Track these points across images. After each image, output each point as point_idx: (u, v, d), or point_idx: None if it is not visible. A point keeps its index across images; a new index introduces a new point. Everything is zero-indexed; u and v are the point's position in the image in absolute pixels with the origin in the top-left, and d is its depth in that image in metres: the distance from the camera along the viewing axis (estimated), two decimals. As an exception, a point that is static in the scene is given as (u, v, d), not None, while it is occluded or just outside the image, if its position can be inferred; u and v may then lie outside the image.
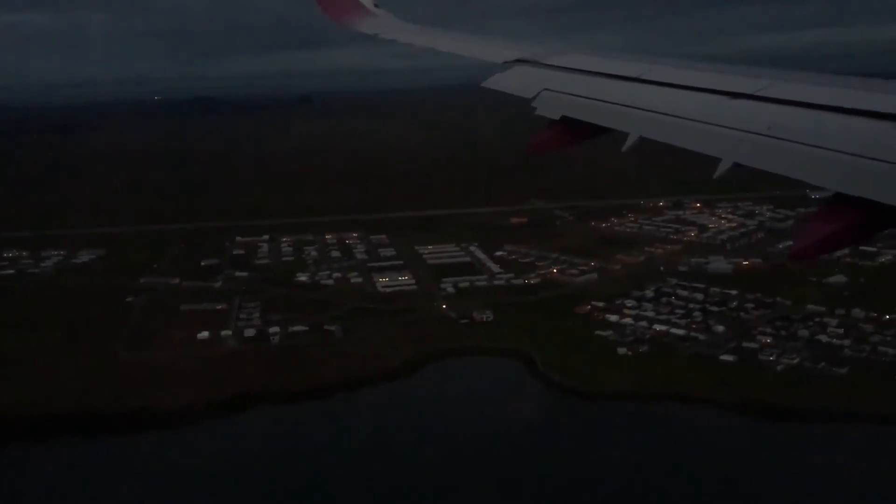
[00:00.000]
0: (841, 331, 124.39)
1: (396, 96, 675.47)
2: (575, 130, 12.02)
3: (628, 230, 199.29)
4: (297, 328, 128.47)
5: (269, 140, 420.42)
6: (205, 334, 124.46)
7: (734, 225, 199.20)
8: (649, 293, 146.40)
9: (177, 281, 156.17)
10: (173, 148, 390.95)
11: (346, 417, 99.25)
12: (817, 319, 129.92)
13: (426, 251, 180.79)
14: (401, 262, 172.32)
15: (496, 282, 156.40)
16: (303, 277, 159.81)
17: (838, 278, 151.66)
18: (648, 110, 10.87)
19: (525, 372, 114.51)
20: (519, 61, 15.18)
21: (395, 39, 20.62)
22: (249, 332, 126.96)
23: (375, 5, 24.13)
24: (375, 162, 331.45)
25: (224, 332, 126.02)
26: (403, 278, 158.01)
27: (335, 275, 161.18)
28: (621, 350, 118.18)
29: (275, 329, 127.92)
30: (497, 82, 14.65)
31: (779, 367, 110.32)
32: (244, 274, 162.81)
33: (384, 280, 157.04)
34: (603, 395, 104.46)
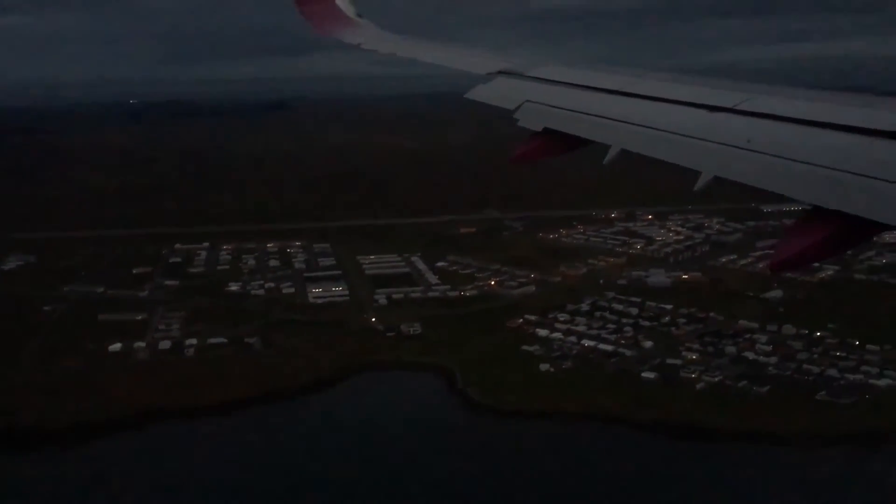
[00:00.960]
0: (769, 348, 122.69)
1: (375, 104, 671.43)
2: (557, 142, 12.03)
3: (575, 242, 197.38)
4: (215, 340, 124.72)
5: (234, 145, 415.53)
6: (117, 346, 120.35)
7: (681, 238, 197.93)
8: (585, 307, 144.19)
9: (101, 289, 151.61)
10: (134, 152, 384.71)
11: (240, 434, 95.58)
12: (747, 336, 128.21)
13: (367, 261, 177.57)
14: (339, 272, 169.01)
15: (431, 293, 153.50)
16: (234, 287, 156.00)
17: (776, 293, 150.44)
18: (630, 123, 10.89)
19: (442, 388, 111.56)
20: (501, 73, 15.19)
21: (377, 49, 20.63)
22: (164, 345, 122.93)
23: (358, 15, 23.96)
24: (338, 169, 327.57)
25: (137, 344, 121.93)
26: (337, 289, 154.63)
27: (268, 285, 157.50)
28: (544, 366, 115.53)
29: (191, 341, 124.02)
30: (479, 93, 14.70)
31: (699, 385, 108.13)
32: (174, 282, 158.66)
33: (317, 290, 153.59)
34: (515, 413, 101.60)
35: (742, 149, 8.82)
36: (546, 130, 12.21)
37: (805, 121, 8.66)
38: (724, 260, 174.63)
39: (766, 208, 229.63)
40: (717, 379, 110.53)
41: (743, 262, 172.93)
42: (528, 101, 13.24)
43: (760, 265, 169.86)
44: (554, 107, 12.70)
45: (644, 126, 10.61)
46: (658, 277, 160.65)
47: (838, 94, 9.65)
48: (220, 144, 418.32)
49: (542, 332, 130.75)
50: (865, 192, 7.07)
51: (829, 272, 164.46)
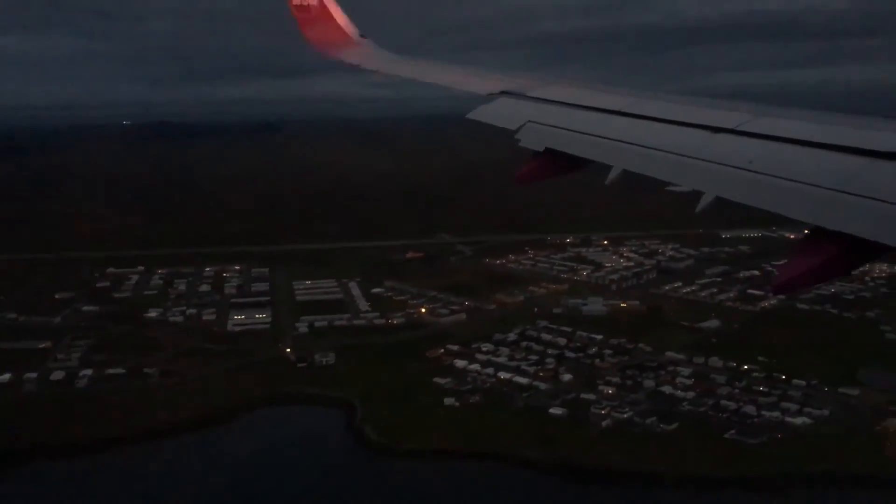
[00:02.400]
0: (690, 381, 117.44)
1: (371, 126, 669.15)
2: (558, 162, 12.05)
3: (521, 268, 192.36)
4: (113, 371, 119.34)
5: (209, 167, 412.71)
6: (6, 377, 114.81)
7: (631, 264, 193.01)
8: (512, 336, 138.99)
9: (14, 316, 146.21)
10: (106, 173, 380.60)
11: (91, 478, 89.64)
12: (671, 368, 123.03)
13: (302, 287, 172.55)
14: (268, 298, 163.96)
15: (357, 321, 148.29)
16: (153, 314, 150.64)
17: (712, 323, 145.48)
18: (632, 143, 10.88)
19: (338, 424, 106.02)
20: (503, 93, 15.18)
21: (379, 70, 20.69)
22: (58, 375, 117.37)
23: (361, 35, 23.73)
24: (307, 191, 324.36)
25: (28, 375, 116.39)
26: (260, 316, 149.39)
27: (189, 311, 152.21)
28: (449, 400, 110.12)
29: (87, 372, 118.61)
30: (482, 114, 14.66)
31: (605, 423, 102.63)
32: (94, 308, 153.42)
33: (239, 318, 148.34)
34: (403, 452, 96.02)
35: (744, 170, 8.81)
36: (548, 151, 12.18)
37: (806, 142, 8.64)
38: (667, 288, 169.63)
39: (725, 234, 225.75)
40: (626, 415, 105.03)
41: (687, 289, 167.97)
42: (529, 121, 13.22)
43: (703, 293, 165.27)
44: (556, 127, 12.61)
45: (646, 147, 10.53)
46: (595, 306, 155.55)
47: (839, 116, 9.48)
48: (194, 166, 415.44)
49: (461, 364, 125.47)
50: (867, 212, 7.11)
51: (773, 301, 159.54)
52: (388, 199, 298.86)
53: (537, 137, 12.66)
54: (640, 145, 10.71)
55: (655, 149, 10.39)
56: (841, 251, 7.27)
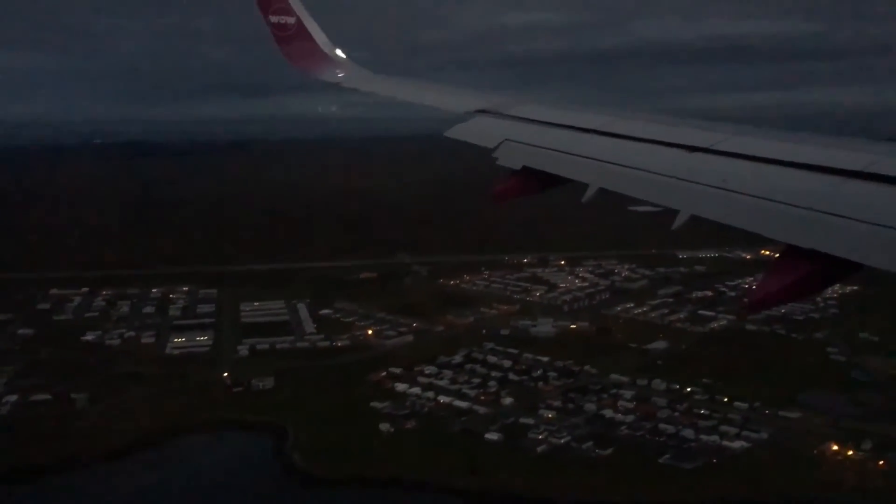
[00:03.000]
0: (632, 405, 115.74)
1: (345, 144, 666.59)
2: (535, 180, 12.18)
3: (475, 288, 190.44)
4: (39, 397, 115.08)
5: (174, 186, 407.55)
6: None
7: (585, 284, 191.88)
8: (457, 359, 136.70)
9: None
10: (64, 193, 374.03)
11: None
12: (614, 391, 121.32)
13: (249, 308, 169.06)
14: (212, 320, 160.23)
15: (301, 343, 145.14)
16: (91, 337, 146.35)
17: (660, 345, 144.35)
18: (608, 162, 10.95)
19: (267, 452, 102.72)
20: (480, 112, 15.25)
21: (357, 88, 20.76)
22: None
23: (339, 54, 23.90)
24: (269, 211, 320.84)
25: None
26: (202, 339, 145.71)
27: (128, 334, 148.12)
28: (384, 426, 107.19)
29: (11, 398, 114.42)
30: (459, 132, 14.79)
31: (540, 448, 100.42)
32: (29, 332, 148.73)
33: (178, 340, 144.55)
34: (331, 480, 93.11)
35: (718, 188, 8.94)
36: (525, 169, 12.28)
37: (779, 161, 8.86)
38: (619, 308, 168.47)
39: (682, 254, 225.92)
40: (562, 441, 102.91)
41: (638, 310, 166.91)
42: (507, 139, 13.24)
43: (654, 314, 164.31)
44: (533, 145, 12.68)
45: (622, 165, 10.69)
46: (544, 327, 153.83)
47: (812, 136, 9.64)
48: (157, 186, 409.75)
49: (402, 387, 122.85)
50: (839, 231, 7.22)
51: (723, 322, 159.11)
52: (351, 218, 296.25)
53: (514, 156, 12.74)
54: (616, 164, 10.77)
55: (631, 167, 10.46)
56: (814, 269, 7.37)
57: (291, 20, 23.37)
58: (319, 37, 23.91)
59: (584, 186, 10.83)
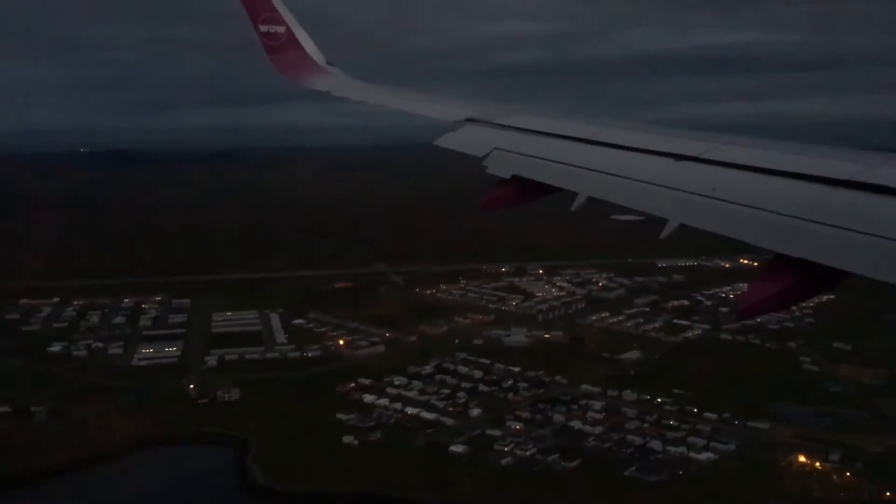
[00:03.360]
0: (601, 416, 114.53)
1: (334, 154, 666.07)
2: (525, 189, 12.13)
3: (450, 298, 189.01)
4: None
5: (155, 195, 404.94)
6: None
7: (562, 294, 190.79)
8: (428, 369, 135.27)
9: None
10: (45, 202, 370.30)
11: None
12: (584, 402, 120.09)
13: (221, 318, 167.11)
14: (183, 330, 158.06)
15: (271, 354, 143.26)
16: (57, 347, 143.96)
17: (633, 354, 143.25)
18: (597, 171, 10.97)
19: (227, 465, 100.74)
20: (470, 120, 15.24)
21: (348, 97, 20.73)
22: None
23: (329, 63, 23.89)
24: (250, 220, 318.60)
25: None
26: (170, 349, 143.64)
27: (95, 345, 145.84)
28: (348, 438, 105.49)
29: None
30: (448, 141, 14.76)
31: (504, 461, 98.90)
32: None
33: (147, 351, 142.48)
34: (290, 494, 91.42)
35: (707, 197, 8.97)
36: (514, 178, 12.26)
37: (768, 170, 8.85)
38: (594, 318, 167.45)
39: (661, 263, 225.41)
40: (528, 453, 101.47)
41: (613, 319, 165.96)
42: (496, 148, 13.32)
43: (629, 324, 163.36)
44: (522, 154, 12.77)
45: (611, 174, 10.69)
46: (517, 337, 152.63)
47: (800, 145, 9.70)
48: (138, 195, 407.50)
49: (370, 399, 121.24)
50: (827, 239, 7.27)
51: (698, 331, 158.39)
52: (333, 227, 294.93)
53: (504, 164, 12.75)
54: (605, 172, 10.80)
55: (620, 176, 10.48)
56: (802, 277, 7.45)
57: (281, 29, 23.45)
58: (309, 46, 24.01)
59: (574, 195, 10.87)
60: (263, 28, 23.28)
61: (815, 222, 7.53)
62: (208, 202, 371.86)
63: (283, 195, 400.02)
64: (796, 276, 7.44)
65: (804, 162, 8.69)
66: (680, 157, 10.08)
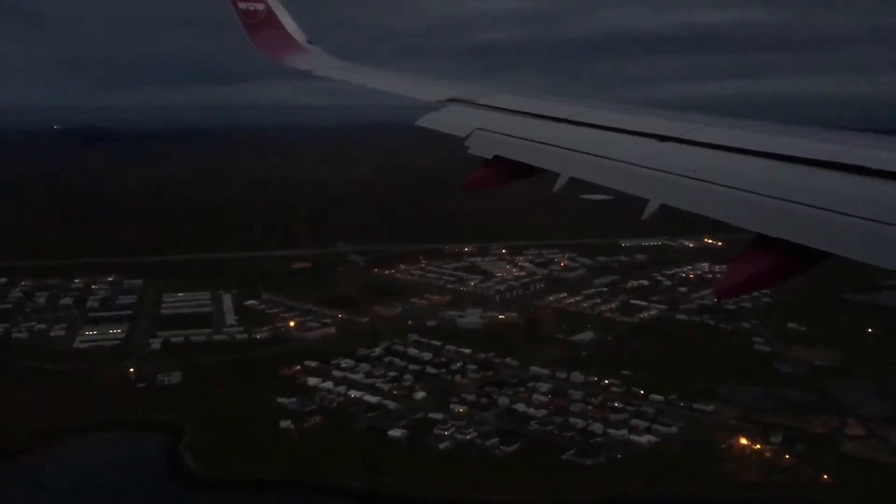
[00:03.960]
0: (547, 398, 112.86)
1: (311, 132, 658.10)
2: (507, 170, 12.12)
3: (410, 278, 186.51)
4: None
5: (122, 174, 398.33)
6: None
7: (522, 274, 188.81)
8: (378, 351, 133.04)
9: None
10: (6, 180, 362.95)
11: None
12: (531, 384, 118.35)
13: (172, 300, 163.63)
14: (130, 312, 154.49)
15: (218, 336, 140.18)
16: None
17: (586, 335, 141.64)
18: (579, 151, 11.01)
19: (159, 451, 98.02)
20: (452, 100, 15.26)
21: (330, 76, 20.81)
22: None
23: (309, 42, 23.55)
24: (218, 200, 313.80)
25: None
26: (115, 331, 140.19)
27: (38, 326, 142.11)
28: (285, 423, 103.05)
29: None
30: (430, 121, 14.74)
31: (443, 445, 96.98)
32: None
33: (90, 334, 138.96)
34: (217, 482, 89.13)
35: (688, 178, 9.01)
36: (497, 158, 12.25)
37: (749, 151, 8.94)
38: (551, 298, 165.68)
39: (625, 243, 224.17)
40: (468, 437, 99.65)
41: (571, 300, 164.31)
42: (478, 128, 13.25)
43: (586, 304, 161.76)
44: (505, 135, 12.71)
45: (593, 155, 10.70)
46: (472, 318, 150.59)
47: (781, 126, 9.80)
48: (105, 173, 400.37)
49: (314, 382, 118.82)
50: (807, 220, 7.31)
51: (654, 311, 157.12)
52: (301, 207, 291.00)
53: (486, 145, 12.67)
54: (587, 153, 10.80)
55: (602, 157, 10.53)
56: (782, 258, 7.46)
57: (261, 7, 23.01)
58: (289, 24, 23.56)
59: (556, 176, 10.82)
60: (242, 5, 22.76)
61: (796, 203, 7.56)
62: (176, 181, 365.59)
63: (254, 174, 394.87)
64: (777, 256, 7.46)
65: (785, 143, 8.71)
66: (662, 138, 10.08)
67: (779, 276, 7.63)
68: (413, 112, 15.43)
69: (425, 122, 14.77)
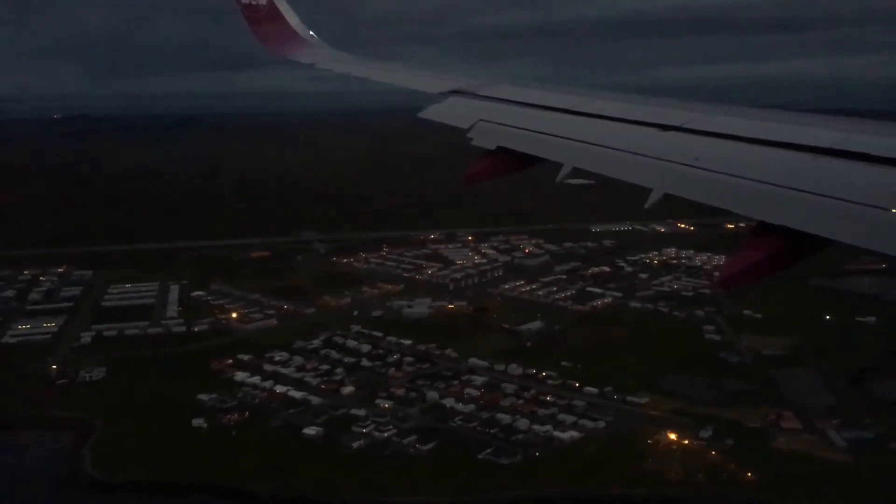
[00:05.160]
0: (479, 392, 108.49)
1: (305, 120, 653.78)
2: (510, 160, 12.20)
3: (367, 266, 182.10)
4: None
5: (104, 162, 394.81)
6: None
7: (483, 261, 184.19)
8: (315, 343, 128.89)
9: None
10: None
11: None
12: (466, 377, 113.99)
13: (118, 291, 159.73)
14: (71, 304, 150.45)
15: (154, 329, 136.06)
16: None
17: (534, 325, 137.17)
18: (582, 141, 11.05)
19: (63, 452, 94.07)
20: (454, 92, 15.51)
21: (331, 69, 21.04)
22: None
23: (311, 34, 23.76)
24: (192, 188, 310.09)
25: None
26: (49, 325, 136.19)
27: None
28: (197, 421, 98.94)
29: None
30: (433, 113, 14.95)
31: (356, 444, 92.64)
32: None
33: (23, 328, 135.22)
34: (113, 484, 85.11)
35: (690, 166, 9.09)
36: (499, 149, 12.32)
37: (750, 139, 9.03)
38: (507, 286, 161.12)
39: (595, 228, 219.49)
40: (386, 435, 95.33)
41: (526, 288, 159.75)
42: (481, 119, 13.33)
43: (541, 292, 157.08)
44: (507, 125, 12.79)
45: (596, 144, 10.75)
46: (419, 308, 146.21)
47: (782, 113, 9.86)
48: (85, 162, 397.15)
49: (241, 376, 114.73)
50: (810, 207, 7.35)
51: (609, 299, 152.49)
52: (278, 195, 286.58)
53: (489, 136, 12.71)
54: (589, 143, 10.84)
55: (605, 146, 10.55)
56: (785, 245, 7.47)
57: (263, 1, 22.90)
58: (292, 18, 23.56)
59: (559, 166, 10.86)
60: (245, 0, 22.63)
61: (798, 190, 7.61)
62: (154, 169, 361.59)
63: (237, 162, 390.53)
64: (778, 243, 7.48)
65: (787, 130, 8.79)
66: (664, 127, 10.17)
67: (781, 263, 7.58)
68: (415, 102, 15.58)
69: (428, 114, 14.83)
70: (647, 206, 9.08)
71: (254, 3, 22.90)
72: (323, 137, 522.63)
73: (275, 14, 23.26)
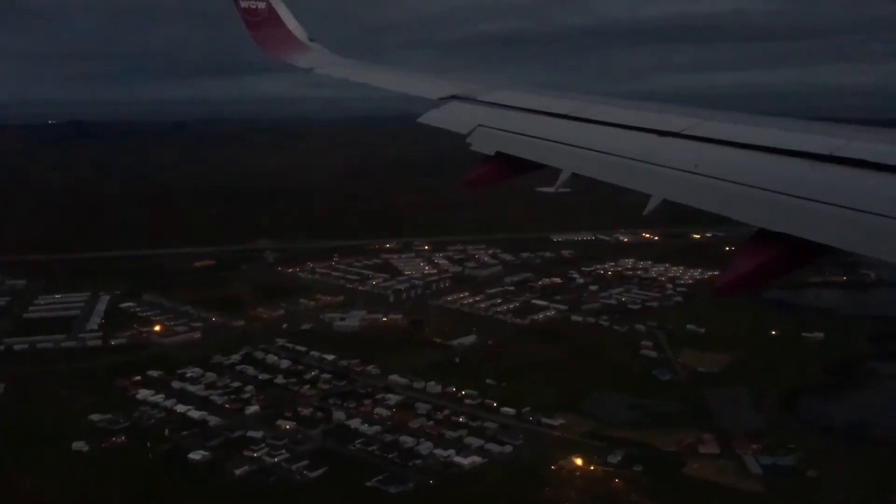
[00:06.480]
0: (390, 412, 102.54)
1: (296, 127, 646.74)
2: (509, 166, 12.12)
3: (312, 276, 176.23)
4: None
5: (80, 169, 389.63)
6: None
7: (433, 272, 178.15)
8: (234, 358, 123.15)
9: None
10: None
11: None
12: (380, 396, 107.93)
13: (44, 302, 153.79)
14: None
15: (68, 343, 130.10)
16: None
17: (467, 340, 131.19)
18: (581, 147, 10.99)
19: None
20: (453, 97, 15.36)
21: (330, 74, 20.93)
22: None
23: (310, 40, 23.67)
24: (155, 196, 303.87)
25: None
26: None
27: None
28: (78, 444, 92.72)
29: None
30: (432, 118, 14.83)
31: (240, 470, 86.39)
32: None
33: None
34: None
35: (689, 172, 8.97)
36: (498, 154, 12.27)
37: (749, 145, 8.87)
38: (450, 298, 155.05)
39: (557, 238, 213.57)
40: (276, 459, 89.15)
41: (469, 300, 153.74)
42: (480, 125, 13.32)
43: (484, 304, 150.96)
44: (506, 131, 12.79)
45: (595, 150, 10.69)
46: (351, 321, 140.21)
47: (780, 120, 9.74)
48: (61, 168, 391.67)
49: (144, 394, 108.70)
50: (809, 214, 7.28)
51: (552, 312, 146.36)
52: (243, 202, 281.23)
53: (488, 141, 12.72)
54: (588, 149, 10.78)
55: (603, 152, 10.48)
56: (784, 252, 7.39)
57: (262, 5, 22.98)
58: (291, 22, 23.50)
59: (558, 171, 10.84)
60: (244, 4, 22.59)
61: (797, 197, 7.49)
62: (126, 176, 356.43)
63: (216, 169, 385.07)
64: (777, 251, 7.39)
65: (786, 137, 8.66)
66: (663, 133, 10.08)
67: (780, 270, 7.52)
68: (414, 107, 15.54)
69: (427, 119, 14.68)
70: (645, 212, 9.11)
71: (253, 7, 22.79)
72: (316, 143, 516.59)
73: (274, 18, 23.15)
